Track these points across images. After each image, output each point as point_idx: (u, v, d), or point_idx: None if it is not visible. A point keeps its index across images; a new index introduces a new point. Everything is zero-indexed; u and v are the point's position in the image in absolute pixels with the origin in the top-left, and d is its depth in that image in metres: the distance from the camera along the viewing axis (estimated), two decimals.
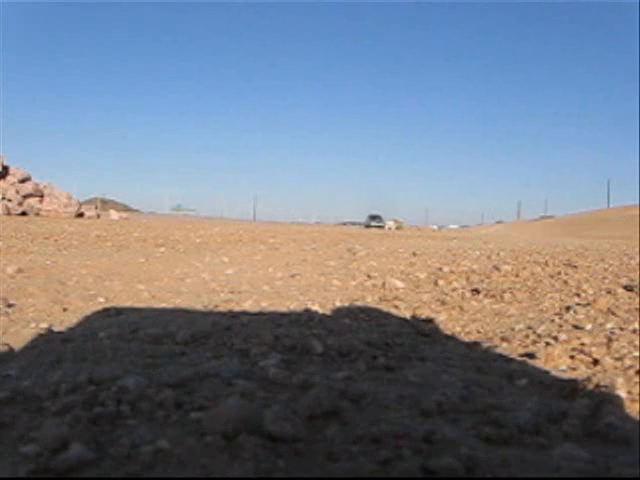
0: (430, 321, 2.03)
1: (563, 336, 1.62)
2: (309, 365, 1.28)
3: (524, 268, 3.30)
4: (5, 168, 15.00)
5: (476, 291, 2.56)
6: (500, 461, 0.75)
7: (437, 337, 1.76)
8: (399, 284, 2.87)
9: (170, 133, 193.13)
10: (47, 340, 1.53)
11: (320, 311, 2.11)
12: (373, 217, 44.94)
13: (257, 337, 1.52)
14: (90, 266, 3.37)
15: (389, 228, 39.54)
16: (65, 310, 2.08)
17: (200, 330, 1.58)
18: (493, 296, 2.42)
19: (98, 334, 1.56)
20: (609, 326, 1.73)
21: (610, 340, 1.54)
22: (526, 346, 1.59)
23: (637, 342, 1.50)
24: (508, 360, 1.44)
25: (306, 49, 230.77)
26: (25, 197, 14.86)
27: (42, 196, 15.47)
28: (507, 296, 2.39)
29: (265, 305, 2.23)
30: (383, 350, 1.46)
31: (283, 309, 2.16)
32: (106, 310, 2.06)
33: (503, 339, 1.69)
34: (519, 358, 1.47)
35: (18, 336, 1.62)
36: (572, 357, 1.44)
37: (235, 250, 5.07)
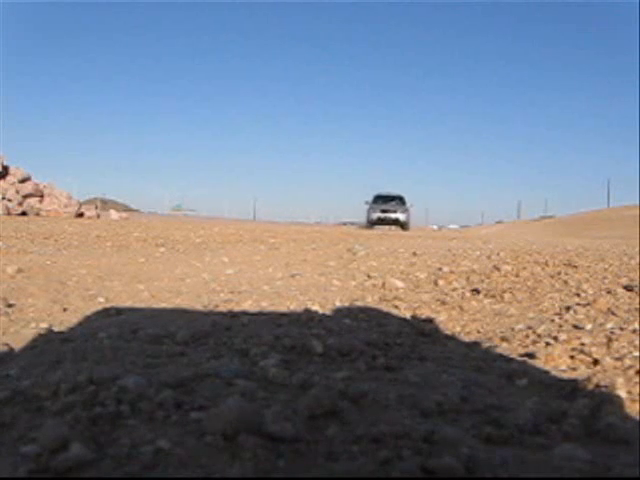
0: (430, 321, 2.03)
1: (563, 336, 1.62)
2: (309, 365, 1.28)
3: (524, 268, 3.30)
4: (5, 168, 14.98)
5: (476, 291, 2.56)
6: (500, 461, 0.75)
7: (437, 337, 1.76)
8: (399, 284, 2.86)
9: (170, 133, 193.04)
10: (47, 340, 1.53)
11: (320, 311, 2.11)
12: (382, 199, 21.72)
13: (257, 337, 1.52)
14: (90, 266, 3.37)
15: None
16: (65, 310, 2.08)
17: (200, 330, 1.58)
18: (493, 296, 2.42)
19: (98, 334, 1.56)
20: (609, 326, 1.73)
21: (610, 340, 1.54)
22: (526, 346, 1.59)
23: (637, 342, 1.50)
24: (508, 360, 1.44)
25: (305, 49, 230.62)
26: (25, 197, 14.85)
27: (42, 196, 15.46)
28: (507, 296, 2.39)
29: (265, 305, 2.23)
30: (383, 350, 1.46)
31: (283, 309, 2.16)
32: (106, 310, 2.06)
33: (503, 339, 1.69)
34: (519, 358, 1.47)
35: (18, 336, 1.62)
36: (572, 357, 1.44)
37: (235, 250, 5.07)
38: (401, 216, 20.74)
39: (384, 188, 23.06)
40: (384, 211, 20.93)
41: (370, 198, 22.50)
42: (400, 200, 22.15)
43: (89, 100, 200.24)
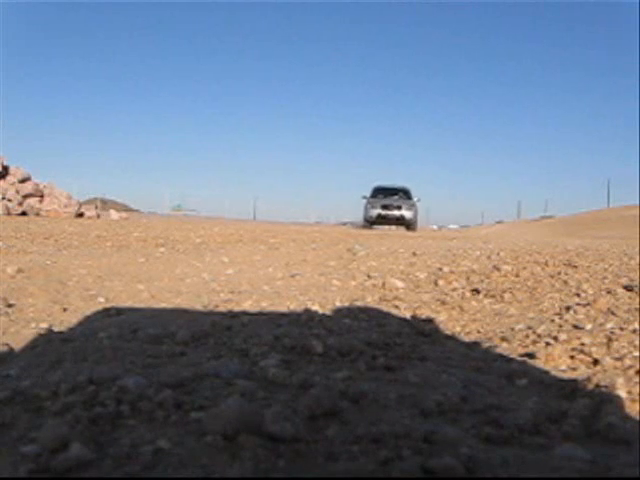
0: (430, 321, 2.03)
1: (563, 336, 1.62)
2: (309, 365, 1.28)
3: (524, 268, 3.30)
4: (5, 168, 14.98)
5: (476, 291, 2.56)
6: (500, 461, 0.75)
7: (437, 337, 1.76)
8: (399, 284, 2.86)
9: (170, 133, 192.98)
10: (47, 340, 1.53)
11: (320, 311, 2.11)
12: (382, 193, 18.24)
13: (257, 337, 1.52)
14: (90, 266, 3.37)
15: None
16: (65, 310, 2.08)
17: (200, 330, 1.58)
18: (493, 296, 2.42)
19: (98, 334, 1.56)
20: (609, 326, 1.73)
21: (610, 340, 1.54)
22: (526, 346, 1.59)
23: (637, 342, 1.50)
24: (508, 360, 1.44)
25: (305, 49, 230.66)
26: (25, 197, 14.84)
27: (42, 196, 15.45)
28: (507, 296, 2.39)
29: (265, 305, 2.23)
30: (383, 350, 1.46)
31: (283, 309, 2.16)
32: (106, 310, 2.06)
33: (503, 339, 1.69)
34: (519, 358, 1.47)
35: (18, 336, 1.62)
36: (572, 357, 1.45)
37: (235, 250, 5.06)
38: (407, 213, 17.00)
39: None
40: (385, 207, 17.25)
41: (369, 192, 18.56)
42: (405, 193, 18.31)
43: (89, 100, 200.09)
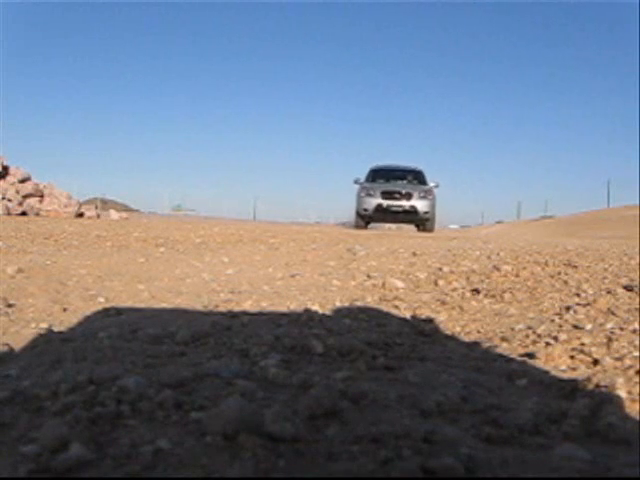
0: (430, 321, 2.03)
1: (563, 336, 1.62)
2: (309, 365, 1.29)
3: (524, 268, 3.29)
4: (5, 168, 14.97)
5: (476, 291, 2.56)
6: (500, 461, 0.75)
7: (437, 337, 1.76)
8: (399, 284, 2.86)
9: (170, 133, 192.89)
10: (47, 340, 1.53)
11: (320, 311, 2.11)
12: (384, 175, 12.82)
13: (257, 337, 1.52)
14: (90, 266, 3.37)
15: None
16: (65, 310, 2.08)
17: (200, 330, 1.58)
18: (493, 296, 2.42)
19: (98, 334, 1.56)
20: (609, 326, 1.73)
21: (610, 340, 1.54)
22: (526, 346, 1.59)
23: (637, 342, 1.50)
24: (508, 360, 1.44)
25: (305, 50, 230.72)
26: (25, 197, 14.83)
27: (42, 196, 15.44)
28: (507, 296, 2.39)
29: (265, 305, 2.23)
30: (383, 350, 1.46)
31: (283, 309, 2.16)
32: (106, 310, 2.06)
33: (503, 339, 1.69)
34: (519, 358, 1.47)
35: (18, 336, 1.62)
36: (572, 357, 1.45)
37: (235, 250, 5.06)
38: (420, 204, 11.87)
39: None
40: (388, 195, 12.05)
41: (363, 175, 13.29)
42: (416, 176, 13.04)
43: (89, 100, 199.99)
